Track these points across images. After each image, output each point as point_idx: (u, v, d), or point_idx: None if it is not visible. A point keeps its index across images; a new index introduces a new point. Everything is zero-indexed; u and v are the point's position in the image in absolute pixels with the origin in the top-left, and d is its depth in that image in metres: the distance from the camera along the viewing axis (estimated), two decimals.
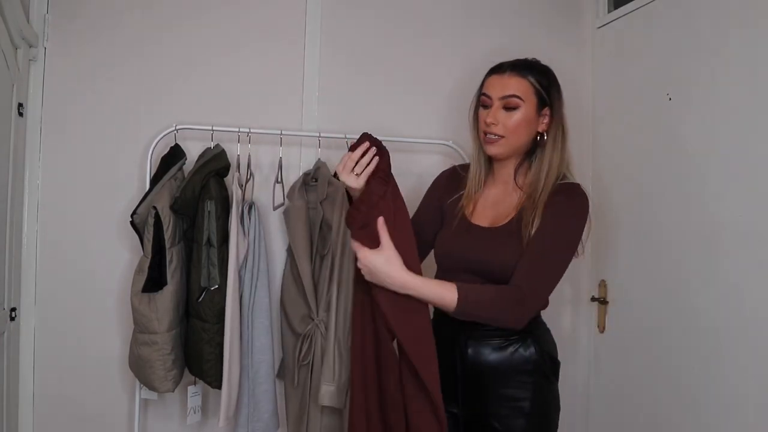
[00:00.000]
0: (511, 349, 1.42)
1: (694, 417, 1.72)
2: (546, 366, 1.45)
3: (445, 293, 1.33)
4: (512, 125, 1.42)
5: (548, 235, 1.37)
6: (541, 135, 1.46)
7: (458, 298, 1.31)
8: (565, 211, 1.40)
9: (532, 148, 1.47)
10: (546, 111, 1.45)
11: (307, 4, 2.08)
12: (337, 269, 1.77)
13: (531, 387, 1.42)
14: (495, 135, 1.43)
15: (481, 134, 1.48)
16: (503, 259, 1.38)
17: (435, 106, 2.15)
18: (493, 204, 1.52)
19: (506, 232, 1.43)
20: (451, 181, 1.61)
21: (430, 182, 1.69)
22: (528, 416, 1.40)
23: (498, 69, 1.47)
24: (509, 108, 1.42)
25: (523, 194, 1.47)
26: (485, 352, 1.43)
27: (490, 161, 1.54)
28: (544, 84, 1.44)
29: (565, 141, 1.47)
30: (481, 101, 1.47)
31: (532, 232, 1.37)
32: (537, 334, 1.46)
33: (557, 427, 1.47)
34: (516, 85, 1.42)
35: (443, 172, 1.68)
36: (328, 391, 1.72)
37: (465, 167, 1.61)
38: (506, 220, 1.45)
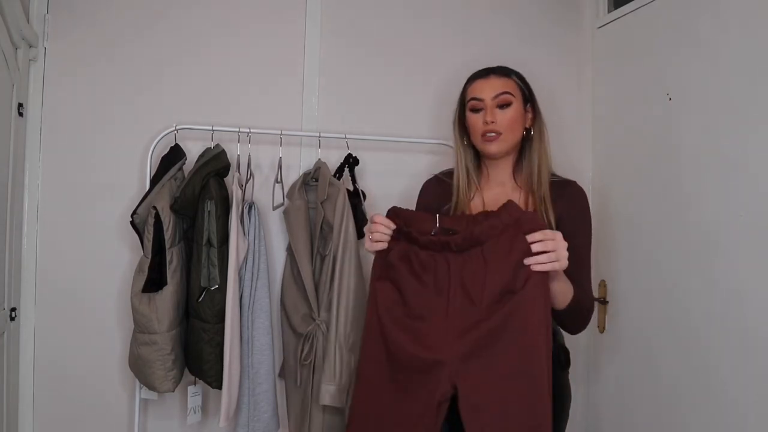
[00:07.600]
0: None
1: (693, 416, 1.72)
2: (561, 356, 1.51)
3: (570, 287, 1.39)
4: (508, 121, 1.47)
5: (580, 245, 1.45)
6: (528, 130, 1.52)
7: (573, 296, 1.39)
8: (582, 214, 1.49)
9: (522, 147, 1.53)
10: (529, 107, 1.52)
11: (307, 3, 2.09)
12: (338, 270, 1.77)
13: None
14: (494, 133, 1.47)
15: (477, 138, 1.50)
16: None
17: (436, 107, 2.15)
18: (495, 206, 1.52)
19: None
20: (439, 188, 1.60)
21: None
22: None
23: (481, 74, 1.52)
24: (503, 105, 1.47)
25: (523, 192, 1.51)
26: None
27: (479, 167, 1.56)
28: (525, 81, 1.53)
29: (546, 135, 1.53)
30: (471, 106, 1.50)
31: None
32: (552, 327, 1.49)
33: (569, 416, 1.52)
34: (504, 84, 1.49)
35: (427, 182, 1.66)
36: (328, 391, 1.72)
37: (447, 174, 1.62)
38: None
